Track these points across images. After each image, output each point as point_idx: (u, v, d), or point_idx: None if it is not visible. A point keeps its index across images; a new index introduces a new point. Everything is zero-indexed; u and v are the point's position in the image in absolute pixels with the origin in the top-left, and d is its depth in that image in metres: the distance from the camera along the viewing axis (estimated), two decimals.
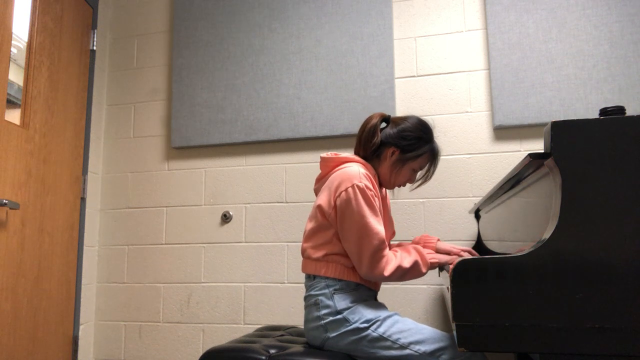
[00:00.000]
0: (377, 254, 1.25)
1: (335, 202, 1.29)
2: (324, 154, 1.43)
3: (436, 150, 1.43)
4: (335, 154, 1.41)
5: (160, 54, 2.50)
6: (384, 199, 1.44)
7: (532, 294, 0.83)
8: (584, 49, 1.96)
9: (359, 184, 1.27)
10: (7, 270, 1.80)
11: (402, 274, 1.27)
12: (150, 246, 2.36)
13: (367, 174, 1.31)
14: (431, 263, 1.32)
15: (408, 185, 1.70)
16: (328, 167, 1.41)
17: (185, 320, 2.26)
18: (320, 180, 1.44)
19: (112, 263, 2.39)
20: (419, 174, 1.49)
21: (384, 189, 1.50)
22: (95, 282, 2.40)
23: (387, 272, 1.25)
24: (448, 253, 1.42)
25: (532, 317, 0.83)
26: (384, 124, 1.46)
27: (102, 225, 2.44)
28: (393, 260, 1.28)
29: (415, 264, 1.29)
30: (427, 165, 1.44)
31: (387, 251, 1.28)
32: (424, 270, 1.30)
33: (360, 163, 1.37)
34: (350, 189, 1.27)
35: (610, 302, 0.80)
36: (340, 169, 1.35)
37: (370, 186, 1.29)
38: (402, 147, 1.38)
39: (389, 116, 1.46)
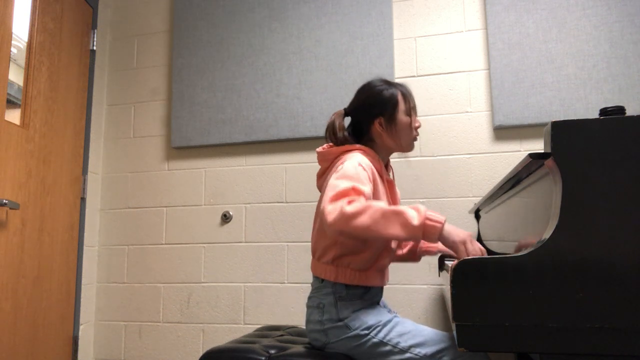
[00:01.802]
0: (341, 194, 1.11)
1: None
2: (319, 149, 1.39)
3: (402, 86, 1.38)
4: (331, 145, 1.37)
5: (160, 54, 2.50)
6: (390, 183, 1.39)
7: (532, 294, 0.83)
8: (584, 49, 1.96)
9: (355, 162, 1.23)
10: (7, 271, 1.80)
11: (375, 216, 1.06)
12: (150, 246, 2.36)
13: (369, 164, 1.26)
14: (428, 219, 1.06)
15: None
16: (328, 161, 1.37)
17: (185, 320, 2.26)
18: (322, 176, 1.41)
19: (112, 263, 2.39)
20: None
21: (390, 173, 1.45)
22: (95, 282, 2.40)
23: (349, 208, 1.07)
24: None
25: (532, 317, 0.83)
26: (348, 118, 1.43)
27: (102, 225, 2.44)
28: (364, 202, 1.09)
29: (400, 211, 1.06)
30: (409, 103, 1.38)
31: (359, 197, 1.11)
32: (415, 222, 1.05)
33: (362, 150, 1.32)
34: (343, 164, 1.23)
35: (610, 302, 0.80)
36: (342, 157, 1.31)
37: (366, 168, 1.23)
38: (380, 112, 1.35)
39: (344, 109, 1.43)
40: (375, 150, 1.39)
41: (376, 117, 1.35)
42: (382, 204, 1.09)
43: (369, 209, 1.07)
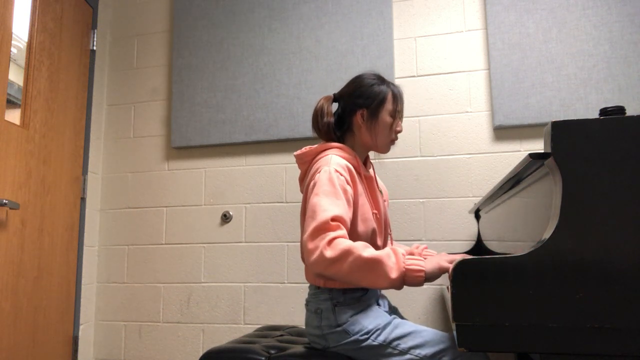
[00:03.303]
0: (320, 229, 1.09)
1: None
2: (297, 152, 1.38)
3: (395, 87, 1.38)
4: (309, 147, 1.36)
5: (160, 54, 2.50)
6: (369, 180, 1.37)
7: (532, 294, 0.83)
8: (584, 49, 1.96)
9: (330, 168, 1.22)
10: (7, 270, 1.80)
11: (353, 266, 1.06)
12: (150, 246, 2.36)
13: (345, 165, 1.25)
14: (408, 270, 1.07)
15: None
16: (306, 163, 1.36)
17: (185, 320, 2.26)
18: (303, 180, 1.38)
19: (112, 263, 2.39)
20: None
21: (370, 169, 1.44)
22: (95, 282, 2.40)
23: (329, 252, 1.06)
24: None
25: (532, 317, 0.83)
26: (335, 105, 1.42)
27: (102, 225, 2.44)
28: (344, 243, 1.08)
29: (379, 262, 1.07)
30: (396, 105, 1.37)
31: (338, 232, 1.10)
32: (393, 275, 1.06)
33: (337, 148, 1.32)
34: (319, 173, 1.22)
35: (610, 302, 0.80)
36: (319, 158, 1.31)
37: (343, 172, 1.23)
38: (365, 104, 1.34)
39: (334, 94, 1.42)
40: (353, 143, 1.38)
41: (360, 108, 1.35)
42: (362, 249, 1.09)
43: (349, 255, 1.07)
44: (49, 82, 2.09)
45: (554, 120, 0.87)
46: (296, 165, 2.23)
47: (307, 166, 1.36)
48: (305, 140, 2.23)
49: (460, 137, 2.09)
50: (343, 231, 1.13)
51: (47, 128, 2.07)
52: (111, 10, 2.60)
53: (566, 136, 0.86)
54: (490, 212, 1.65)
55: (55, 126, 2.12)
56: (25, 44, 1.99)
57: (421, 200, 2.09)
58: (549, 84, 1.97)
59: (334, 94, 1.42)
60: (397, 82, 2.17)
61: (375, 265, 1.07)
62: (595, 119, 0.86)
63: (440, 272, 1.09)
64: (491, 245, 1.61)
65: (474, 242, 2.01)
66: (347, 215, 1.17)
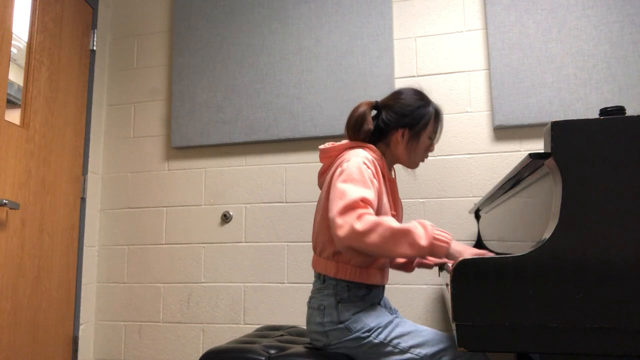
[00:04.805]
0: (350, 206, 1.11)
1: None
2: (322, 146, 1.38)
3: (438, 109, 1.39)
4: (333, 143, 1.37)
5: (160, 54, 2.50)
6: (392, 182, 1.40)
7: (532, 294, 0.83)
8: (584, 49, 1.96)
9: (359, 159, 1.23)
10: (7, 270, 1.80)
11: (384, 235, 1.09)
12: (150, 246, 2.36)
13: (372, 160, 1.27)
14: (436, 239, 1.10)
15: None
16: (331, 157, 1.37)
17: (185, 320, 2.26)
18: (324, 173, 1.40)
19: (112, 263, 2.39)
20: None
21: (392, 172, 1.46)
22: (95, 282, 2.40)
23: (359, 225, 1.08)
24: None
25: (532, 317, 0.83)
26: (374, 112, 1.42)
27: (102, 225, 2.44)
28: (373, 217, 1.10)
29: (408, 231, 1.10)
30: (436, 127, 1.40)
31: (367, 210, 1.12)
32: (423, 242, 1.09)
33: (367, 148, 1.33)
34: (347, 162, 1.23)
35: (610, 302, 0.80)
36: (346, 153, 1.31)
37: (370, 165, 1.24)
38: (409, 124, 1.35)
39: (377, 102, 1.41)
40: (384, 151, 1.39)
41: (403, 127, 1.35)
42: (391, 221, 1.11)
43: (379, 227, 1.09)
44: (49, 82, 2.09)
45: (554, 120, 0.87)
46: (296, 165, 2.24)
47: (331, 160, 1.37)
48: (306, 140, 2.23)
49: (460, 137, 2.09)
50: (371, 211, 1.14)
51: (47, 128, 2.07)
52: (111, 10, 2.61)
53: (566, 136, 0.86)
54: (490, 212, 1.65)
55: (55, 126, 2.12)
56: (25, 44, 1.99)
57: (421, 200, 2.09)
58: (549, 84, 1.97)
59: (377, 102, 1.41)
60: (397, 82, 2.17)
61: (406, 234, 1.10)
62: (595, 119, 0.86)
63: (459, 257, 1.09)
64: (491, 245, 1.61)
65: (474, 242, 2.01)
66: (375, 201, 1.18)
